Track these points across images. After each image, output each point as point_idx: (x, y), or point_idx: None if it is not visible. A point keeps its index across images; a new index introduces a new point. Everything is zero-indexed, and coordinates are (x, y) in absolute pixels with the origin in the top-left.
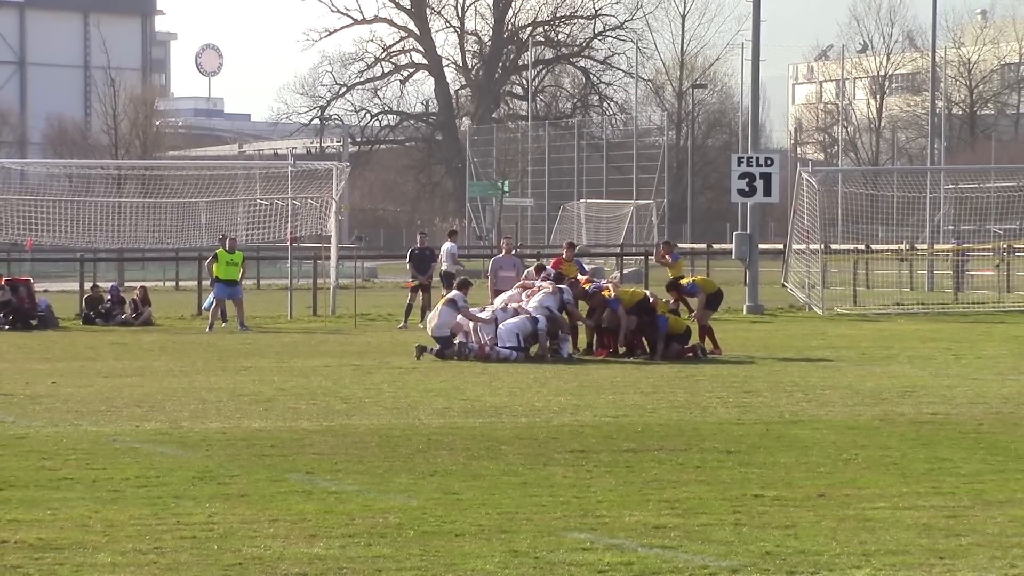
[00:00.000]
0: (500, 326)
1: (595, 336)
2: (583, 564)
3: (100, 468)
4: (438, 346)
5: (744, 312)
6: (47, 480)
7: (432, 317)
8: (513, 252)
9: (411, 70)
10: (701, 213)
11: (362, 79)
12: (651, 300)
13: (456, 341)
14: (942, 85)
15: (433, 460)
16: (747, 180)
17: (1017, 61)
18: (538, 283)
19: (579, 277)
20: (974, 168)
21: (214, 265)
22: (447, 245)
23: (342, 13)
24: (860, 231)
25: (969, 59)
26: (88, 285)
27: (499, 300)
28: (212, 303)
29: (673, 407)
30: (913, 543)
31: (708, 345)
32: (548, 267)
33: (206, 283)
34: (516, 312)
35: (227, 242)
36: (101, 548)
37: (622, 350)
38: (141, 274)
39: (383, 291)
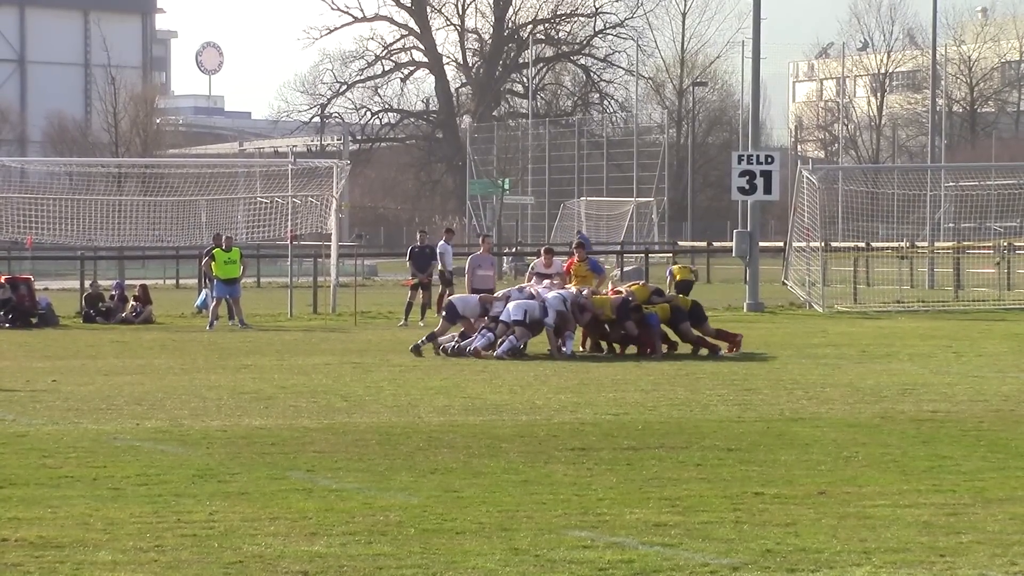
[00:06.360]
0: (511, 303)
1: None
2: (584, 562)
3: (101, 466)
4: (426, 339)
5: (744, 310)
6: (47, 478)
7: (461, 296)
8: (492, 250)
9: (411, 68)
10: (701, 211)
11: (362, 77)
12: (631, 300)
13: (457, 340)
14: (943, 83)
15: (434, 458)
16: (747, 178)
17: (1017, 59)
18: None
19: (595, 280)
20: (974, 166)
21: (212, 264)
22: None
23: (342, 11)
24: (860, 229)
25: (970, 57)
26: (88, 283)
27: (516, 289)
28: (204, 300)
29: (674, 405)
30: (913, 541)
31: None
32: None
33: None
34: (531, 297)
35: (223, 240)
36: (102, 546)
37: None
38: (141, 272)
39: (383, 289)
